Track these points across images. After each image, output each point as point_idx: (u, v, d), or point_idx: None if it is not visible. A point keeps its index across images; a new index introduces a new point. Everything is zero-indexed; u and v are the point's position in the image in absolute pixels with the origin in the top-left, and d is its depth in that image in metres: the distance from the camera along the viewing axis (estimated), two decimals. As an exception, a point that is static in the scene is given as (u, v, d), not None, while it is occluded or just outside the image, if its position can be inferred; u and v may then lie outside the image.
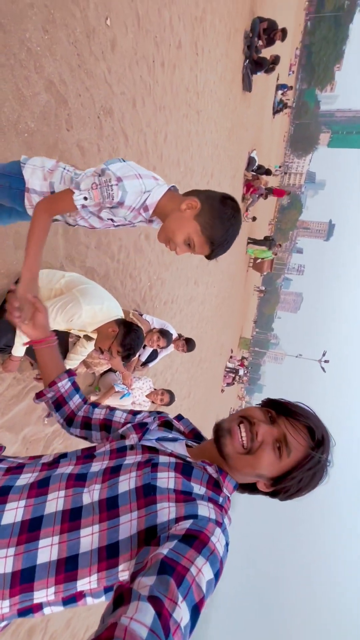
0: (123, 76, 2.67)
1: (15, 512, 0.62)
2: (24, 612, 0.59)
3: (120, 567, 0.56)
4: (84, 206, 0.97)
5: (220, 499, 0.66)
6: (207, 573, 0.52)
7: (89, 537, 0.59)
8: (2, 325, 1.69)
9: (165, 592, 0.45)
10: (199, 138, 4.95)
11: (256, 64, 7.47)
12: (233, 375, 15.26)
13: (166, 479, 0.63)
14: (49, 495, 0.63)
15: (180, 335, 3.66)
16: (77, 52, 2.11)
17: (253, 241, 12.55)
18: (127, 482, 0.63)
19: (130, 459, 0.68)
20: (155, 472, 0.64)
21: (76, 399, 0.92)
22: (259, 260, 13.40)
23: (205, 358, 9.03)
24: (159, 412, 0.88)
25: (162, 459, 0.68)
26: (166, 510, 0.59)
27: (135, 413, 0.88)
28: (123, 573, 0.57)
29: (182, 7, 3.64)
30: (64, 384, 0.91)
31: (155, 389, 3.26)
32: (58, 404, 0.90)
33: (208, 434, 0.81)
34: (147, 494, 0.61)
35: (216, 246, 0.96)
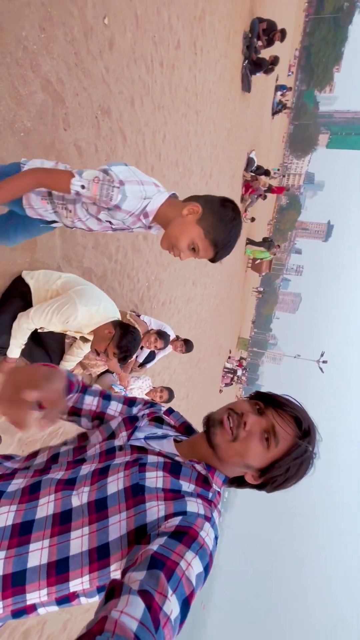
0: (121, 75, 2.66)
1: (6, 515, 0.62)
2: (18, 613, 0.60)
3: (112, 567, 0.57)
4: (77, 193, 0.96)
5: (210, 494, 0.67)
6: (197, 567, 0.53)
7: (79, 540, 0.59)
8: (-4, 327, 1.67)
9: (155, 586, 0.46)
10: (198, 138, 4.93)
11: (255, 65, 7.46)
12: (231, 376, 15.25)
13: (154, 479, 0.64)
14: (40, 500, 0.64)
15: (178, 337, 3.65)
16: (74, 51, 2.09)
17: (251, 242, 12.56)
18: (115, 483, 0.63)
19: (119, 459, 0.69)
20: (144, 472, 0.64)
21: (72, 397, 0.87)
22: (257, 261, 13.42)
23: (204, 358, 9.02)
24: (152, 405, 0.88)
25: (151, 458, 0.68)
26: (155, 509, 0.60)
27: (130, 404, 0.87)
28: (115, 572, 0.57)
29: (181, 6, 3.63)
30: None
31: (154, 387, 3.27)
32: None
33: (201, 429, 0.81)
34: (135, 494, 0.62)
35: (220, 248, 0.98)
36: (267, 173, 10.68)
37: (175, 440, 0.78)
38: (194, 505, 0.61)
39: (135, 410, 0.86)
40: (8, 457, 0.80)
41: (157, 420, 0.85)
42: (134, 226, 1.06)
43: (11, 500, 0.64)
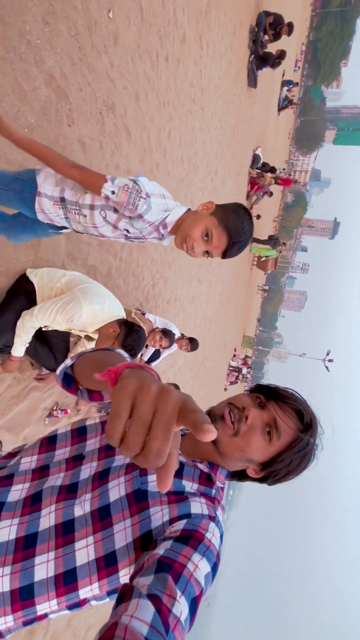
0: (126, 70, 2.62)
1: (9, 529, 0.61)
2: (29, 623, 0.59)
3: (121, 574, 0.57)
4: (107, 198, 1.02)
5: (213, 491, 0.66)
6: (204, 567, 0.53)
7: (84, 550, 0.58)
8: (0, 326, 1.66)
9: (164, 589, 0.46)
10: (203, 134, 4.88)
11: (262, 59, 7.36)
12: (236, 374, 15.20)
13: (156, 482, 0.61)
14: (42, 511, 0.62)
15: (183, 335, 3.62)
16: (78, 46, 2.06)
17: (257, 240, 12.46)
18: (117, 489, 0.62)
19: (119, 459, 0.67)
20: (145, 476, 0.63)
21: None
22: (263, 259, 13.31)
23: (209, 356, 8.99)
24: None
25: None
26: (159, 514, 0.59)
27: None
28: (125, 578, 0.57)
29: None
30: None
31: None
32: None
33: None
34: (138, 500, 0.60)
35: (233, 235, 1.01)
36: (272, 170, 10.56)
37: None
38: (197, 506, 0.61)
39: None
40: None
41: None
42: (149, 236, 1.12)
43: (13, 512, 0.63)
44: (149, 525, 0.58)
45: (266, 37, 7.26)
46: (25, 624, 0.60)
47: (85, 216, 1.09)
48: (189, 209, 1.10)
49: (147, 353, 3.29)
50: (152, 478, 0.64)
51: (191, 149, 4.46)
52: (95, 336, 1.86)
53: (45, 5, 1.77)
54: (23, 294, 1.76)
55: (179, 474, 0.67)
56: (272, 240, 11.79)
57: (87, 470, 0.67)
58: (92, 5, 2.14)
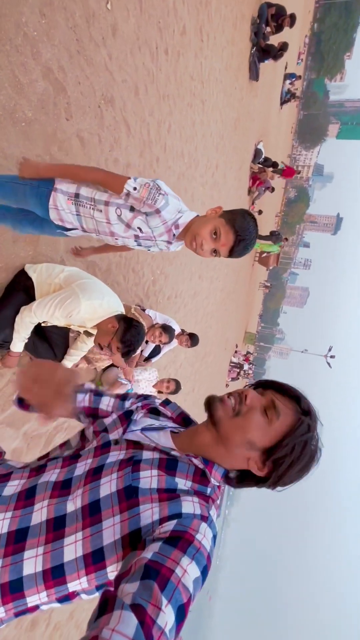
0: (124, 63, 2.59)
1: (1, 523, 0.61)
2: (20, 614, 0.60)
3: (109, 569, 0.57)
4: (128, 194, 1.10)
5: (209, 490, 0.65)
6: (193, 572, 0.51)
7: (72, 546, 0.58)
8: (-1, 321, 1.66)
9: (149, 598, 0.45)
10: (204, 128, 4.84)
11: (264, 52, 7.26)
12: (238, 370, 15.21)
13: (149, 478, 0.62)
14: (35, 505, 0.63)
15: (183, 331, 3.62)
16: (76, 38, 2.03)
17: (259, 236, 12.38)
18: (108, 485, 0.61)
19: (114, 455, 0.67)
20: (137, 472, 0.63)
21: None
22: (264, 255, 13.25)
23: (210, 352, 8.99)
24: (146, 397, 0.85)
25: (146, 454, 0.66)
26: (149, 512, 0.58)
27: (123, 398, 0.85)
28: (112, 573, 0.57)
29: (186, -9, 3.52)
30: None
31: (161, 379, 3.27)
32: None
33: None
34: (129, 496, 0.60)
35: (240, 233, 1.10)
36: (275, 165, 10.47)
37: (173, 432, 0.76)
38: (189, 505, 0.59)
39: (128, 404, 0.83)
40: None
41: (153, 412, 0.82)
42: (159, 238, 1.18)
43: (6, 506, 0.64)
44: (138, 522, 0.57)
45: (268, 29, 7.15)
46: (17, 615, 0.61)
47: (100, 211, 1.16)
48: (198, 215, 1.19)
49: (148, 349, 3.29)
50: (144, 474, 0.63)
51: (191, 143, 4.42)
52: (94, 332, 1.85)
53: (41, -4, 1.75)
54: (22, 289, 1.75)
55: (171, 470, 0.65)
56: (273, 236, 11.73)
57: (82, 467, 0.67)
58: (90, -4, 2.11)
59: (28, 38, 1.70)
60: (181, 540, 0.53)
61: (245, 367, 15.99)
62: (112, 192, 1.14)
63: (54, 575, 0.58)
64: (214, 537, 0.59)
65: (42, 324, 1.78)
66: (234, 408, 0.69)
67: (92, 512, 0.60)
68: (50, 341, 1.94)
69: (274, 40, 7.66)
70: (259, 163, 9.79)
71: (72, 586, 0.58)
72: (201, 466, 0.67)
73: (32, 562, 0.58)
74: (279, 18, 7.16)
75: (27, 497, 0.64)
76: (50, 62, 1.87)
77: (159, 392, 3.29)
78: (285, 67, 15.90)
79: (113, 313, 1.79)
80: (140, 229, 1.15)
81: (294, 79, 17.36)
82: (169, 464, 0.66)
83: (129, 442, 0.70)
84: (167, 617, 0.45)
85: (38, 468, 0.71)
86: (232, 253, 1.14)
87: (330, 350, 27.06)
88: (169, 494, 0.61)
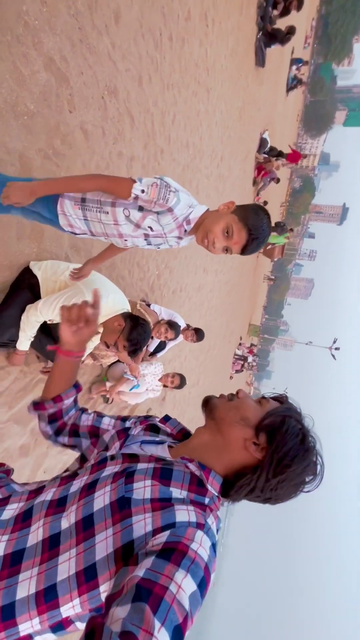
0: (128, 51, 2.52)
1: None
2: None
3: (102, 589, 0.54)
4: (136, 197, 1.06)
5: (207, 500, 0.62)
6: (189, 587, 0.48)
7: (66, 564, 0.56)
8: (5, 320, 1.65)
9: (140, 623, 0.42)
10: (209, 118, 4.73)
11: (270, 36, 7.04)
12: (242, 362, 15.22)
13: (142, 489, 0.60)
14: (32, 526, 0.61)
15: (189, 325, 3.60)
16: (78, 26, 1.97)
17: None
18: (102, 498, 0.60)
19: (109, 469, 0.65)
20: (131, 484, 0.60)
21: (72, 413, 0.88)
22: (269, 246, 13.09)
23: (214, 345, 8.98)
24: (146, 417, 0.85)
25: (141, 465, 0.64)
26: (142, 523, 0.55)
27: (123, 419, 0.85)
28: (105, 594, 0.54)
29: (191, -27, 3.40)
30: (69, 400, 0.86)
31: (166, 373, 3.28)
32: (54, 418, 0.85)
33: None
34: (121, 507, 0.58)
35: (253, 231, 1.06)
36: (280, 154, 10.25)
37: (170, 447, 0.76)
38: (184, 514, 0.57)
39: (128, 423, 0.83)
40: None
41: (153, 430, 0.82)
42: (170, 234, 1.15)
43: (4, 529, 0.62)
44: (130, 534, 0.55)
45: (275, 12, 6.92)
46: None
47: (107, 213, 1.12)
48: (208, 209, 1.15)
49: (153, 344, 3.29)
50: (137, 485, 0.61)
51: (196, 134, 4.33)
52: (100, 330, 1.84)
53: (42, -18, 1.69)
54: (27, 287, 1.74)
55: (166, 479, 0.62)
56: (279, 227, 11.56)
57: (78, 483, 0.66)
58: (92, -18, 2.04)
59: (29, 27, 1.65)
60: (174, 552, 0.50)
61: (250, 359, 15.99)
62: (118, 197, 1.10)
63: (47, 597, 0.55)
64: (213, 545, 0.55)
65: (48, 322, 1.77)
66: (229, 397, 0.77)
67: (86, 527, 0.58)
68: (57, 339, 1.93)
69: (281, 24, 7.42)
70: (264, 153, 9.59)
71: (65, 610, 0.55)
72: (197, 472, 0.64)
73: (26, 584, 0.56)
74: (286, 1, 6.93)
75: (24, 519, 0.63)
76: (52, 51, 1.81)
77: (164, 385, 3.30)
78: (292, 52, 15.43)
79: (119, 311, 1.77)
80: (150, 228, 1.12)
81: (300, 65, 16.85)
82: (163, 473, 0.63)
83: (125, 456, 0.69)
84: None
85: (36, 490, 0.70)
86: (244, 251, 1.11)
87: (335, 342, 26.89)
88: (163, 503, 0.58)
